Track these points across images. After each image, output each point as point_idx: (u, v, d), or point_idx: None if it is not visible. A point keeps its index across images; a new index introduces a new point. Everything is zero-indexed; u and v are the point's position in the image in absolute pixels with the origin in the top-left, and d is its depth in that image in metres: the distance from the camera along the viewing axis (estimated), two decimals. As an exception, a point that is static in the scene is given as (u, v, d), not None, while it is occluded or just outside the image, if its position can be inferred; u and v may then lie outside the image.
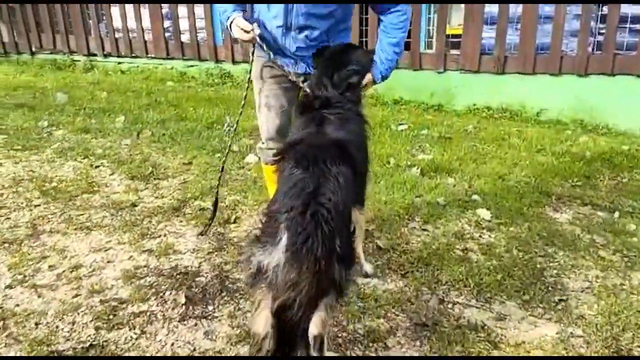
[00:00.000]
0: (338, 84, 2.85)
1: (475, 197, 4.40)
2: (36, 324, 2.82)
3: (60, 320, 2.86)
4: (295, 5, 2.90)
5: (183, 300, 3.04)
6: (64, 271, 3.30)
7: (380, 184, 4.58)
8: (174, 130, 6.02)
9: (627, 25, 6.47)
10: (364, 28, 7.67)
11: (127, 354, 2.63)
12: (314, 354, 2.21)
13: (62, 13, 9.84)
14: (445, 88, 7.43)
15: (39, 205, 4.16)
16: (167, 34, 9.18)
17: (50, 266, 3.34)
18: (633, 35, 6.47)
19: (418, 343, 2.76)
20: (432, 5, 7.57)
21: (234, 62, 8.78)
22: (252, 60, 3.25)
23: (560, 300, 3.13)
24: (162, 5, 8.98)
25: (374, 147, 5.40)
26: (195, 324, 2.87)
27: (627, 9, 6.38)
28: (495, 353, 2.69)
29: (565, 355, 2.68)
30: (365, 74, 3.02)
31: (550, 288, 3.24)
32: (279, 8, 2.95)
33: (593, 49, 6.79)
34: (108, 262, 3.42)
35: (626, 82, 6.44)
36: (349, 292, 2.70)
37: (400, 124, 6.36)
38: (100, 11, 9.64)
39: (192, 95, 7.74)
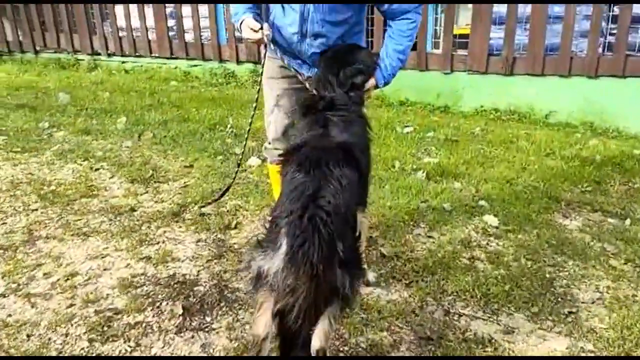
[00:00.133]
0: (344, 82, 2.81)
1: (482, 202, 4.30)
2: (28, 335, 2.75)
3: (53, 331, 2.78)
4: (310, 13, 2.87)
5: (180, 310, 2.95)
6: (58, 279, 3.22)
7: (385, 189, 4.48)
8: (176, 131, 5.93)
9: (639, 26, 6.33)
10: (369, 28, 7.55)
11: (120, 369, 2.56)
12: None
13: (66, 12, 9.76)
14: (452, 89, 7.31)
15: (36, 209, 4.08)
16: (171, 33, 9.10)
17: (45, 274, 3.27)
18: (645, 36, 6.33)
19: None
20: (440, 4, 7.45)
21: (238, 62, 8.69)
22: (264, 60, 3.20)
23: (570, 312, 3.03)
24: (166, 4, 8.89)
25: (379, 149, 5.32)
26: (192, 336, 2.79)
27: (639, 9, 6.25)
28: (503, 369, 2.61)
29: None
30: (370, 77, 2.97)
31: (559, 299, 3.15)
32: (294, 15, 2.91)
33: (603, 50, 6.66)
34: (104, 269, 3.34)
35: (637, 84, 6.31)
36: (355, 301, 2.60)
37: (406, 126, 6.25)
38: (105, 10, 9.56)
39: (196, 96, 7.65)
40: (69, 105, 6.96)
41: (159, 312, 2.95)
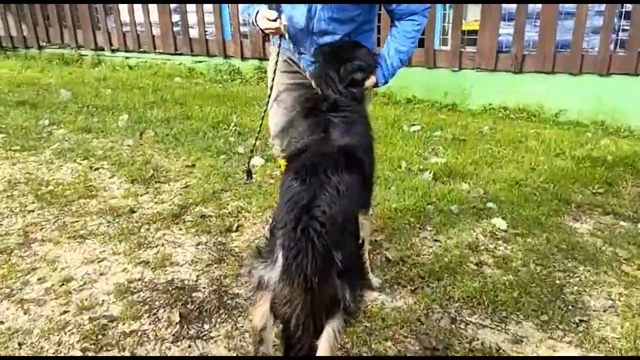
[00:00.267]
0: (344, 77, 2.76)
1: (490, 204, 4.19)
2: (19, 344, 2.67)
3: (45, 340, 2.70)
4: (318, 10, 2.82)
5: (177, 318, 2.87)
6: (53, 285, 3.13)
7: (391, 190, 4.38)
8: (179, 130, 5.83)
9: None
10: (375, 24, 7.42)
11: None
12: None
13: (69, 6, 9.68)
14: (460, 87, 7.18)
15: (32, 211, 4.00)
16: (175, 29, 9.00)
17: (39, 279, 3.19)
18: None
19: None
20: (448, 0, 7.32)
21: (242, 58, 8.59)
22: (278, 52, 3.15)
23: (581, 320, 2.94)
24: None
25: (385, 149, 5.24)
26: (189, 346, 2.71)
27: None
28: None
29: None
30: (370, 74, 2.91)
31: (570, 307, 3.05)
32: (301, 12, 2.86)
33: (615, 47, 6.51)
34: (101, 274, 3.25)
35: (650, 83, 6.16)
36: (359, 312, 2.53)
37: (413, 125, 6.12)
38: (108, 5, 9.47)
39: (200, 93, 7.54)
40: (71, 102, 6.87)
41: (156, 319, 2.87)
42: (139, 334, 2.75)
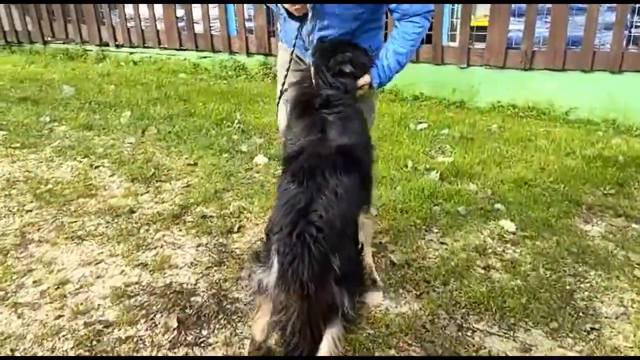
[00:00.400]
0: (332, 67, 2.73)
1: (498, 205, 4.08)
2: (12, 350, 2.60)
3: (39, 345, 2.63)
4: (319, 6, 2.76)
5: (175, 324, 2.79)
6: (48, 287, 3.06)
7: (396, 190, 4.28)
8: (181, 127, 5.74)
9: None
10: (383, 22, 7.31)
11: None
12: None
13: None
14: (468, 84, 7.05)
15: (30, 210, 3.93)
16: (180, 24, 8.91)
17: (34, 281, 3.12)
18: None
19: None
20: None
21: (248, 53, 8.49)
22: (294, 49, 3.05)
23: (592, 328, 2.85)
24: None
25: (392, 147, 5.15)
26: (187, 353, 2.62)
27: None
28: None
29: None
30: (363, 72, 2.85)
31: (581, 314, 2.95)
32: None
33: (627, 44, 6.38)
34: (97, 277, 3.18)
35: (663, 80, 6.03)
36: (359, 318, 2.44)
37: (420, 122, 6.01)
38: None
39: (204, 89, 7.45)
40: (73, 99, 6.80)
41: (153, 325, 2.79)
42: (135, 340, 2.68)
